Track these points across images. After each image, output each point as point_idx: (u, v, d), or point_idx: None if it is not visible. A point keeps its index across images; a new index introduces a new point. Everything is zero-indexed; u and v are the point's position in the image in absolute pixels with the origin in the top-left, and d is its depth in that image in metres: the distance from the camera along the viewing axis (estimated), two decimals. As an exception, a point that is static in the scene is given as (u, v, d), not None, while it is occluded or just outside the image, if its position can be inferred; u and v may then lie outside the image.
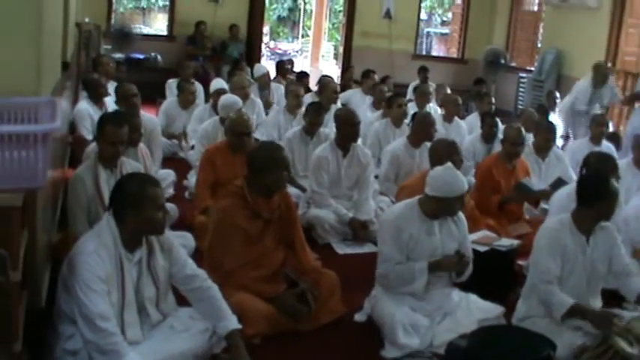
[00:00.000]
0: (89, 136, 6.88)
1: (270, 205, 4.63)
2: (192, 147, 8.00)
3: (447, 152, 5.48)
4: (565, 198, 5.53)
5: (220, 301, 3.78)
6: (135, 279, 3.58)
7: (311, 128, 7.32)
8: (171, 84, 10.53)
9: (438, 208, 4.54)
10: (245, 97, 8.83)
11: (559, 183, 6.45)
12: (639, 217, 5.76)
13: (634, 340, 3.89)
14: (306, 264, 4.78)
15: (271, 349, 4.19)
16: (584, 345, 4.01)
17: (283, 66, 13.11)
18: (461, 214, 4.77)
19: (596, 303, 4.50)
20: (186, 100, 9.39)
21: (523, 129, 6.91)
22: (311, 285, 4.60)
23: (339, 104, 9.73)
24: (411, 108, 9.23)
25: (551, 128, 7.52)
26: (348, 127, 6.55)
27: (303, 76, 12.30)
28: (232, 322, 3.72)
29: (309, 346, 4.37)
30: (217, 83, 8.75)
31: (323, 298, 4.62)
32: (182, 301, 3.91)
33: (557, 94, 11.57)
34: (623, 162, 7.41)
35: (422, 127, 7.16)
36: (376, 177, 7.25)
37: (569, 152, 8.10)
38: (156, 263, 3.66)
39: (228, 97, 7.64)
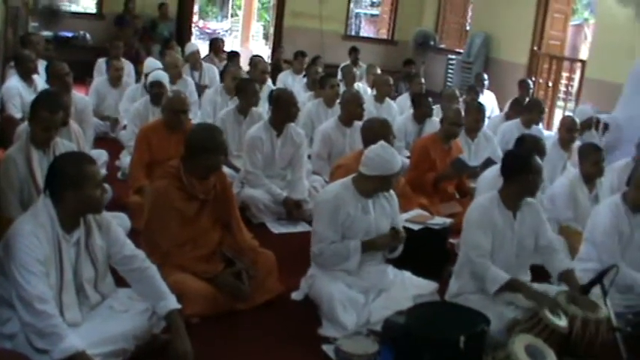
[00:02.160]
0: (18, 115, 6.73)
1: (206, 186, 4.61)
2: (124, 127, 7.90)
3: (382, 132, 5.51)
4: (492, 178, 5.68)
5: (159, 281, 3.76)
6: (73, 260, 3.53)
7: (246, 107, 7.31)
8: (101, 63, 10.44)
9: (377, 186, 4.61)
10: (178, 76, 8.79)
11: (488, 163, 6.60)
12: (564, 195, 5.95)
13: (562, 314, 4.04)
14: (243, 243, 4.77)
15: (210, 328, 4.20)
16: (516, 319, 4.15)
17: (217, 43, 13.01)
18: (392, 191, 4.85)
19: (525, 278, 4.64)
20: (114, 77, 9.30)
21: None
22: (248, 264, 4.61)
23: (269, 84, 9.74)
24: (342, 88, 9.28)
25: (481, 109, 7.68)
26: (288, 108, 6.56)
27: (234, 55, 12.20)
28: (172, 302, 3.70)
29: (247, 325, 4.40)
30: (152, 63, 8.63)
31: (260, 278, 4.65)
32: (120, 282, 3.88)
33: (486, 76, 11.79)
34: (550, 142, 7.62)
35: (349, 106, 7.21)
36: (309, 157, 7.27)
37: (500, 134, 8.28)
38: (94, 244, 3.61)
39: (154, 74, 7.59)
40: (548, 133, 10.43)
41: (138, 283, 3.76)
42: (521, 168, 4.47)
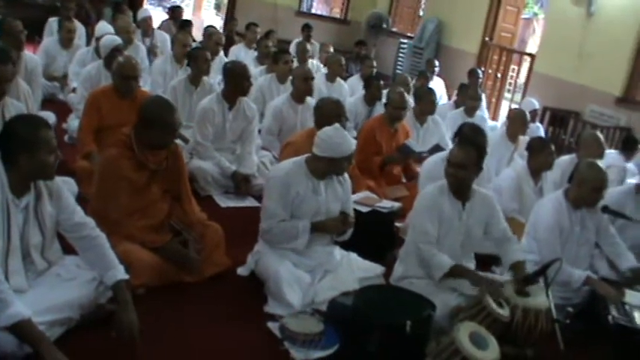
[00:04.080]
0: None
1: (158, 156, 4.53)
2: (74, 89, 7.74)
3: (335, 112, 5.55)
4: (434, 164, 5.76)
5: (108, 250, 3.71)
6: (21, 225, 3.45)
7: (197, 76, 7.26)
8: (52, 23, 10.15)
9: (328, 168, 4.61)
10: (129, 41, 8.65)
11: (436, 148, 6.67)
12: (510, 187, 6.06)
13: (504, 302, 4.12)
14: (192, 216, 4.74)
15: (156, 299, 4.17)
16: (460, 305, 4.21)
17: (178, 11, 12.88)
18: (346, 175, 4.85)
19: (469, 266, 4.72)
20: (65, 39, 9.12)
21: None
22: (195, 237, 4.59)
23: (222, 56, 9.65)
24: (295, 65, 9.24)
25: (433, 92, 7.77)
26: (241, 82, 6.50)
27: (187, 24, 12.04)
28: (120, 273, 3.65)
29: (193, 298, 4.38)
30: (104, 27, 8.45)
31: (208, 251, 4.64)
32: (68, 249, 3.82)
33: (437, 63, 11.87)
34: (497, 133, 7.75)
35: (296, 81, 7.22)
36: (259, 132, 7.24)
37: (447, 121, 8.37)
38: (43, 209, 3.54)
39: (109, 37, 7.46)
40: (494, 124, 10.64)
41: (86, 251, 3.70)
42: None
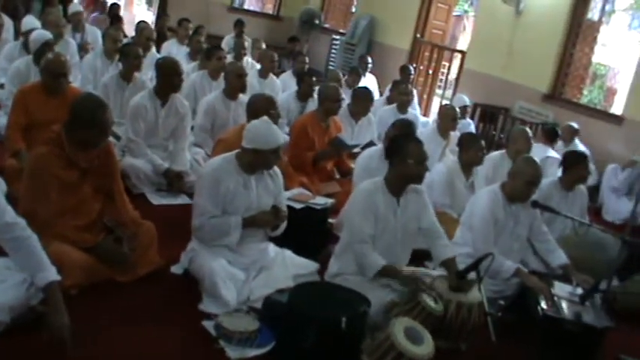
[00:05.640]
0: None
1: (89, 155, 4.43)
2: (1, 85, 7.55)
3: (264, 107, 5.57)
4: (368, 157, 5.83)
5: (39, 251, 3.60)
6: (-52, 225, 3.35)
7: (129, 72, 7.19)
8: (-23, 17, 9.84)
9: (255, 160, 4.60)
10: (59, 36, 8.47)
11: (370, 145, 6.73)
12: (441, 182, 6.17)
13: (437, 298, 4.18)
14: (125, 215, 4.67)
15: (88, 300, 4.10)
16: (394, 301, 4.25)
17: (115, 9, 12.70)
18: (277, 169, 4.86)
19: (406, 260, 4.78)
20: (-9, 34, 8.81)
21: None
22: (129, 236, 4.53)
23: (154, 52, 9.54)
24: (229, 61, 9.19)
25: (371, 96, 7.82)
26: (171, 78, 6.45)
27: (117, 20, 11.87)
28: (51, 274, 3.55)
29: (127, 298, 4.32)
30: (30, 22, 8.26)
31: (141, 249, 4.57)
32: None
33: (369, 59, 11.96)
34: (428, 129, 7.86)
35: (229, 77, 7.21)
36: (192, 128, 7.19)
37: (377, 118, 8.44)
38: (-28, 209, 3.43)
39: (39, 32, 7.33)
40: (425, 120, 10.78)
41: (17, 252, 3.58)
42: (399, 153, 4.57)
